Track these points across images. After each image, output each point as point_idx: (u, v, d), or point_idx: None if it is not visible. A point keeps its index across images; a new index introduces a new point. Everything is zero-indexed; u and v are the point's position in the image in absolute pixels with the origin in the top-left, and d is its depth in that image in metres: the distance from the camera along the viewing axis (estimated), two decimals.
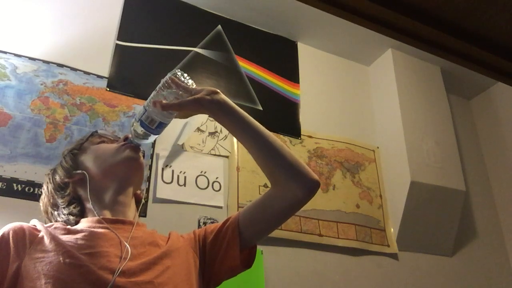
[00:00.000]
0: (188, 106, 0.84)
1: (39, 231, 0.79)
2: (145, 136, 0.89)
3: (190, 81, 0.88)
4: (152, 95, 0.86)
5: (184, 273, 0.83)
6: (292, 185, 0.83)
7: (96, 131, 1.00)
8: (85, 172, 0.90)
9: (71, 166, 0.93)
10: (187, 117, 0.91)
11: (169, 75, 0.86)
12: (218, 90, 0.86)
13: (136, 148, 0.91)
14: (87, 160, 0.93)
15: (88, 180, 0.89)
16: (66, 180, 0.91)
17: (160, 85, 0.86)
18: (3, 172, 1.32)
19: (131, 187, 0.93)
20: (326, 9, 0.97)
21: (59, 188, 0.92)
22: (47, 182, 0.95)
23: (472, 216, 2.23)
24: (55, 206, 0.91)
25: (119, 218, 0.87)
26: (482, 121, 2.54)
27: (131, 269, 0.76)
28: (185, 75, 0.88)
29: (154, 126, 0.86)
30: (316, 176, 0.85)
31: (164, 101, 0.84)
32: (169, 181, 1.57)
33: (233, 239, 0.86)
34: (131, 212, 0.92)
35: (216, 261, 0.88)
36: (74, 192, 0.91)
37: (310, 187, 0.84)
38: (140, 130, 0.87)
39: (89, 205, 0.88)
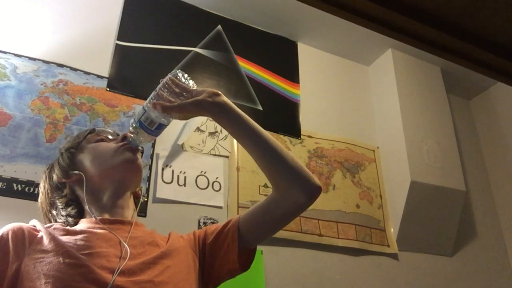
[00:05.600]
0: (188, 108, 0.83)
1: (38, 231, 0.79)
2: (144, 137, 0.88)
3: (191, 82, 0.87)
4: (151, 95, 0.85)
5: (184, 273, 0.83)
6: (293, 190, 0.83)
7: (94, 129, 0.99)
8: (82, 174, 0.89)
9: (68, 165, 0.92)
10: (187, 119, 0.90)
11: (169, 75, 0.85)
12: (220, 92, 0.85)
13: (134, 149, 0.91)
14: (85, 159, 0.92)
15: (85, 181, 0.88)
16: (63, 180, 0.91)
17: (160, 85, 0.84)
18: (3, 172, 1.32)
19: (129, 188, 0.93)
20: (326, 9, 0.97)
21: (56, 188, 0.91)
22: (44, 180, 0.94)
23: (472, 216, 2.23)
24: (53, 205, 0.91)
25: (117, 218, 0.87)
26: (482, 121, 2.54)
27: (131, 269, 0.76)
28: (186, 75, 0.86)
29: (153, 127, 0.85)
30: (318, 181, 0.84)
31: (164, 103, 0.83)
32: (169, 181, 1.57)
33: (233, 243, 0.86)
34: (130, 212, 0.92)
35: (215, 263, 0.88)
36: (71, 193, 0.91)
37: (311, 192, 0.84)
38: (139, 131, 0.87)
39: (86, 206, 0.87)
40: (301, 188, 0.83)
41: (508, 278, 2.14)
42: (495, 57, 1.10)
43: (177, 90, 0.84)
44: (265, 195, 1.21)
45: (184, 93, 0.84)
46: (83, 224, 0.85)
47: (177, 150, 1.64)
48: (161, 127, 0.86)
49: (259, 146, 0.85)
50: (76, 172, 0.90)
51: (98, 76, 1.60)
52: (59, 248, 0.75)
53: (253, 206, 0.90)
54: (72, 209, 0.89)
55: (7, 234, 0.76)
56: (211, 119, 1.61)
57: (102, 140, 0.96)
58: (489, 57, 1.10)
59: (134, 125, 0.87)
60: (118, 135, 0.98)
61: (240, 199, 1.64)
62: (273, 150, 0.84)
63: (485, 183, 2.38)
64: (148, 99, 0.85)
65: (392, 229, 1.92)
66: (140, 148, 0.92)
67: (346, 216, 1.83)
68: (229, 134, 1.68)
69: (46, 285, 0.70)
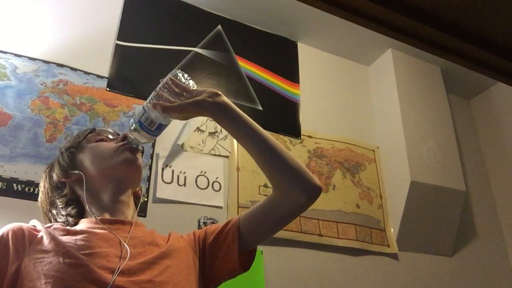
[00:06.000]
0: (188, 108, 0.83)
1: (39, 231, 0.79)
2: (144, 138, 0.88)
3: (191, 82, 0.86)
4: (151, 95, 0.84)
5: (184, 273, 0.83)
6: (294, 191, 0.83)
7: (94, 129, 0.99)
8: (82, 173, 0.89)
9: (68, 165, 0.92)
10: (187, 119, 0.90)
11: (169, 75, 0.84)
12: (220, 92, 0.85)
13: (134, 149, 0.91)
14: (85, 159, 0.92)
15: (85, 181, 0.88)
16: (63, 179, 0.91)
17: (160, 85, 0.84)
18: (3, 172, 1.32)
19: (129, 188, 0.93)
20: (326, 9, 0.97)
21: (56, 187, 0.91)
22: (44, 179, 0.94)
23: (472, 216, 2.23)
24: (53, 205, 0.91)
25: (118, 218, 0.87)
26: (482, 121, 2.54)
27: (131, 269, 0.76)
28: (186, 75, 0.86)
29: (153, 127, 0.85)
30: (318, 182, 0.84)
31: (164, 103, 0.82)
32: (169, 181, 1.57)
33: (233, 243, 0.86)
34: (130, 212, 0.92)
35: (216, 264, 0.88)
36: (71, 193, 0.91)
37: (312, 193, 0.84)
38: (139, 131, 0.86)
39: (86, 206, 0.87)
40: (301, 189, 0.83)
41: (508, 278, 2.14)
42: (495, 57, 1.10)
43: (177, 90, 0.84)
44: (265, 195, 1.22)
45: (184, 93, 0.84)
46: (83, 224, 0.85)
47: (177, 150, 1.64)
48: (161, 127, 0.86)
49: (259, 146, 0.85)
50: (76, 171, 0.90)
51: (98, 76, 1.60)
52: (59, 248, 0.75)
53: (253, 206, 0.90)
54: (72, 209, 0.89)
55: (7, 234, 0.76)
56: (211, 119, 1.61)
57: (102, 140, 0.96)
58: (489, 57, 1.10)
59: (134, 125, 0.87)
60: (118, 135, 0.98)
61: (240, 199, 1.64)
62: (273, 150, 0.84)
63: (485, 183, 2.38)
64: (148, 99, 0.85)
65: (392, 229, 1.92)
66: (140, 148, 0.92)
67: (346, 216, 1.83)
68: (229, 134, 1.68)
69: (46, 285, 0.70)
